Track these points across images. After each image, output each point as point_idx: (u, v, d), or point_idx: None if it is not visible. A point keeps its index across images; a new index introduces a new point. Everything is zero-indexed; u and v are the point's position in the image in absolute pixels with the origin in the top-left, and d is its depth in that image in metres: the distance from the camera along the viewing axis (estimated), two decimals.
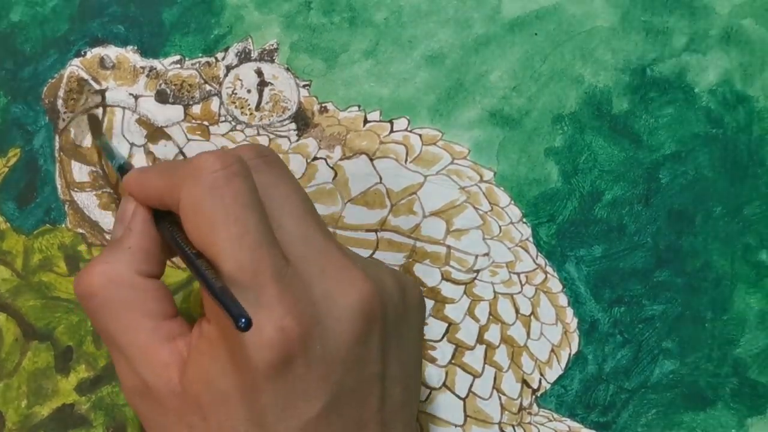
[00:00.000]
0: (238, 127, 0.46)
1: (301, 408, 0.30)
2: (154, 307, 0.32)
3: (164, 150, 0.45)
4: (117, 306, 0.32)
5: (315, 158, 0.46)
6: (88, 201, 0.45)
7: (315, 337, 0.30)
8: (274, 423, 0.29)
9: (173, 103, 0.46)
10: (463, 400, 0.44)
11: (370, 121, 0.46)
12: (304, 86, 0.47)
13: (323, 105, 0.46)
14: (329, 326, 0.30)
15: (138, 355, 0.31)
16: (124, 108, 0.46)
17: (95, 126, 0.45)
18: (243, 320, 0.25)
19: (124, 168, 0.39)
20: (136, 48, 0.47)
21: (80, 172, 0.45)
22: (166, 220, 0.33)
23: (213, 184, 0.30)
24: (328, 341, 0.30)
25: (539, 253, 0.45)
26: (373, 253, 0.44)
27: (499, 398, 0.44)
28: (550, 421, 0.44)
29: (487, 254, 0.45)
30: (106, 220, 0.45)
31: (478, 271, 0.45)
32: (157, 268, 0.34)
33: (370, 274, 0.32)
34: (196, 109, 0.46)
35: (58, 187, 0.46)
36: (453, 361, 0.44)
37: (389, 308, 0.33)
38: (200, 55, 0.47)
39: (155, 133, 0.45)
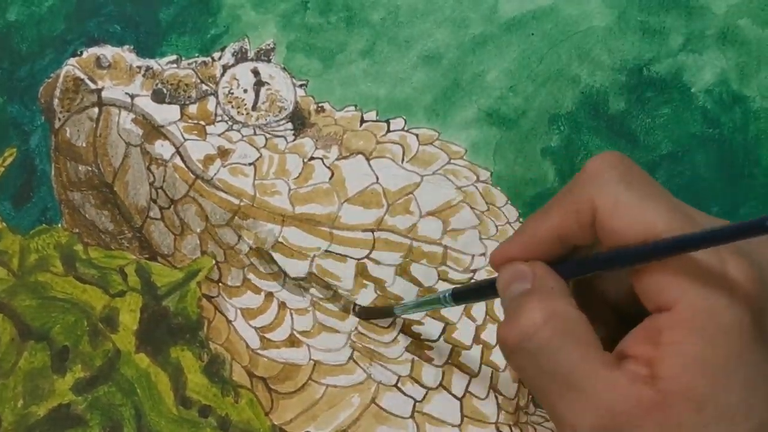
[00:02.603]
0: (235, 126, 0.46)
1: None
2: (594, 337, 0.31)
3: (161, 150, 0.45)
4: (565, 339, 0.30)
5: (312, 158, 0.46)
6: (84, 201, 0.45)
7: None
8: (759, 387, 0.28)
9: (170, 103, 0.46)
10: (460, 400, 0.44)
11: (366, 121, 0.46)
12: (300, 86, 0.47)
13: (320, 105, 0.46)
14: None
15: (598, 384, 0.29)
16: (120, 107, 0.45)
17: (376, 314, 0.44)
18: None
19: (458, 290, 0.37)
20: (132, 47, 0.47)
21: (76, 171, 0.45)
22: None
23: (622, 178, 0.30)
24: None
25: None
26: (370, 253, 0.44)
27: (496, 398, 0.44)
28: (548, 420, 0.44)
29: (483, 254, 0.45)
30: (102, 219, 0.45)
31: (475, 271, 0.45)
32: (577, 306, 0.33)
33: None
34: (193, 109, 0.46)
35: (54, 186, 0.46)
36: (450, 361, 0.44)
37: None
38: (197, 54, 0.47)
39: (151, 132, 0.45)
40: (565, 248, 0.32)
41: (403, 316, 0.43)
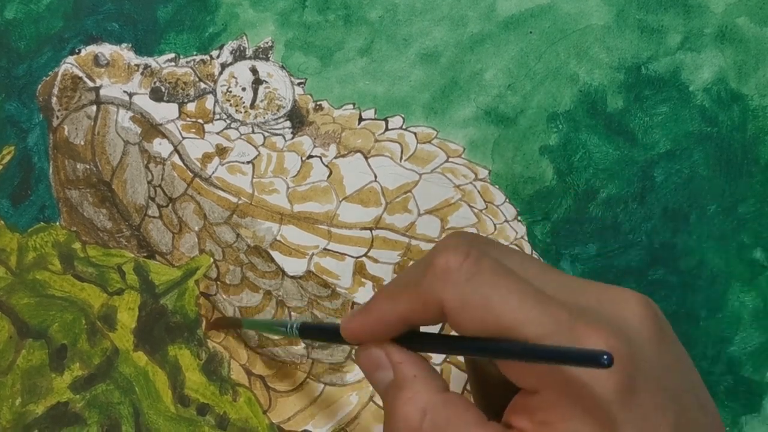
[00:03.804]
0: (233, 125, 0.46)
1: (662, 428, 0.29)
2: (476, 415, 0.31)
3: (159, 148, 0.45)
4: (446, 428, 0.30)
5: (310, 156, 0.46)
6: (82, 199, 0.45)
7: (635, 351, 0.30)
8: None
9: (168, 101, 0.46)
10: None
11: (364, 119, 0.46)
12: (298, 84, 0.47)
13: (318, 103, 0.46)
14: (635, 338, 0.30)
15: None
16: (118, 106, 0.45)
17: (225, 323, 0.44)
18: (605, 356, 0.25)
19: (306, 326, 0.37)
20: (130, 45, 0.47)
21: (74, 169, 0.45)
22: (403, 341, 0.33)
23: (468, 276, 0.30)
24: (644, 353, 0.30)
25: (534, 251, 0.45)
26: (368, 251, 0.44)
27: None
28: None
29: None
30: (100, 217, 0.45)
31: None
32: (444, 383, 0.33)
33: (626, 288, 0.33)
34: (191, 107, 0.46)
35: (52, 184, 0.46)
36: (447, 360, 0.44)
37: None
38: (195, 52, 0.47)
39: (150, 131, 0.45)
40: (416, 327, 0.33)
41: (248, 329, 0.43)
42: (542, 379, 0.29)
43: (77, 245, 0.45)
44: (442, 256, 0.31)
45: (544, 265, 0.33)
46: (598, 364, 0.25)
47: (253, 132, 0.46)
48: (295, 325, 0.36)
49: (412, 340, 0.32)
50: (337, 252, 0.44)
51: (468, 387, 0.44)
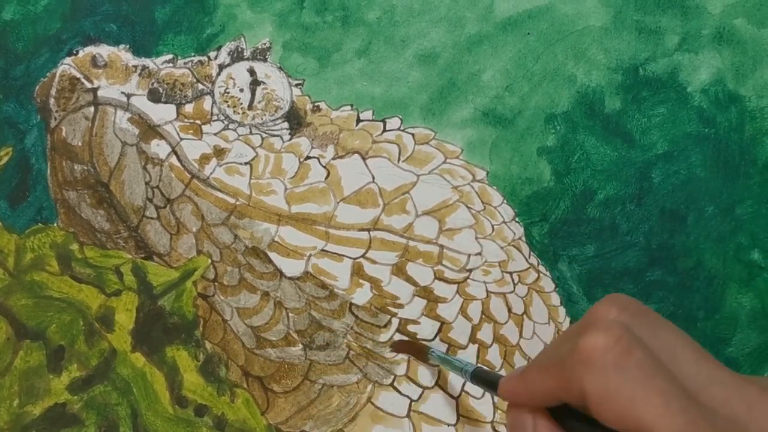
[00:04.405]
0: (231, 125, 0.46)
1: None
2: None
3: (157, 149, 0.45)
4: None
5: (308, 157, 0.46)
6: (80, 200, 0.45)
7: None
8: None
9: (165, 102, 0.46)
10: (456, 399, 0.44)
11: (362, 120, 0.46)
12: (296, 85, 0.47)
13: (316, 104, 0.46)
14: None
15: None
16: (116, 107, 0.45)
17: (411, 349, 0.44)
18: None
19: (478, 371, 0.38)
20: (128, 47, 0.47)
21: (72, 170, 0.45)
22: (562, 413, 0.33)
23: (615, 364, 0.29)
24: None
25: (532, 252, 0.45)
26: (366, 252, 0.44)
27: (492, 397, 0.44)
28: None
29: (479, 253, 0.45)
30: (98, 218, 0.45)
31: (470, 270, 0.45)
32: None
33: None
34: (189, 108, 0.46)
35: (50, 185, 0.45)
36: None
37: None
38: (193, 53, 0.47)
39: (147, 132, 0.45)
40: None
41: (432, 362, 0.44)
42: None
43: (75, 246, 0.45)
44: (591, 337, 0.30)
45: (697, 348, 0.31)
46: None
47: (250, 133, 0.46)
48: (469, 369, 0.38)
49: (567, 414, 0.32)
50: (335, 253, 0.44)
51: (466, 387, 0.44)
